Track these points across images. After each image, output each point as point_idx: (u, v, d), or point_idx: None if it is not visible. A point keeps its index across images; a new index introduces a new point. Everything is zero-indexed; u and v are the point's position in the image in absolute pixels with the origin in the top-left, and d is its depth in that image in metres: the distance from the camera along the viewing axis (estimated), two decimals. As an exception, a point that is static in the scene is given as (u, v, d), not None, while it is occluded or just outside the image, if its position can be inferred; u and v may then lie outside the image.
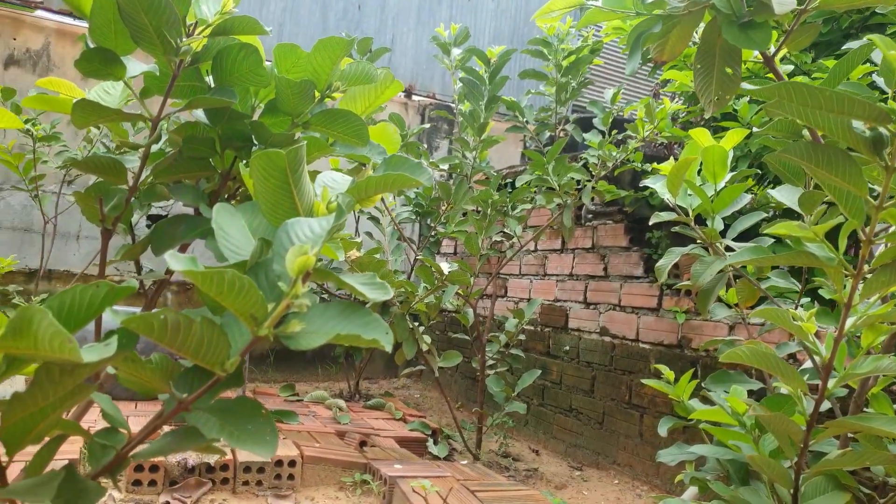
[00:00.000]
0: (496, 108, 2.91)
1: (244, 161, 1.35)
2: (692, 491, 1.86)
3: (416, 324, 2.83)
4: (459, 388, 4.26)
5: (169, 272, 1.44)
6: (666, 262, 1.74)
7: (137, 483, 2.32)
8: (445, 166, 3.08)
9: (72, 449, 2.35)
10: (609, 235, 3.16)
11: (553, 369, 3.43)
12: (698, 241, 1.81)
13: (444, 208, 3.56)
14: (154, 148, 1.46)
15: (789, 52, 1.87)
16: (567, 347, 3.35)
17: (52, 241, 3.95)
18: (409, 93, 5.11)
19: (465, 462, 2.85)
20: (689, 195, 1.79)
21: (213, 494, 2.37)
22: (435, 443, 3.10)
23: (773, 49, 1.30)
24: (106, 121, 1.26)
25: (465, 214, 3.20)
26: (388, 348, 0.86)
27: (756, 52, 1.39)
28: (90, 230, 4.32)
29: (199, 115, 1.35)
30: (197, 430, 0.91)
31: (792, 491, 1.28)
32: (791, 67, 2.34)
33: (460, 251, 4.44)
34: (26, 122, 3.48)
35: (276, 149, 1.23)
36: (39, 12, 4.10)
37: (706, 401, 1.74)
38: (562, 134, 3.03)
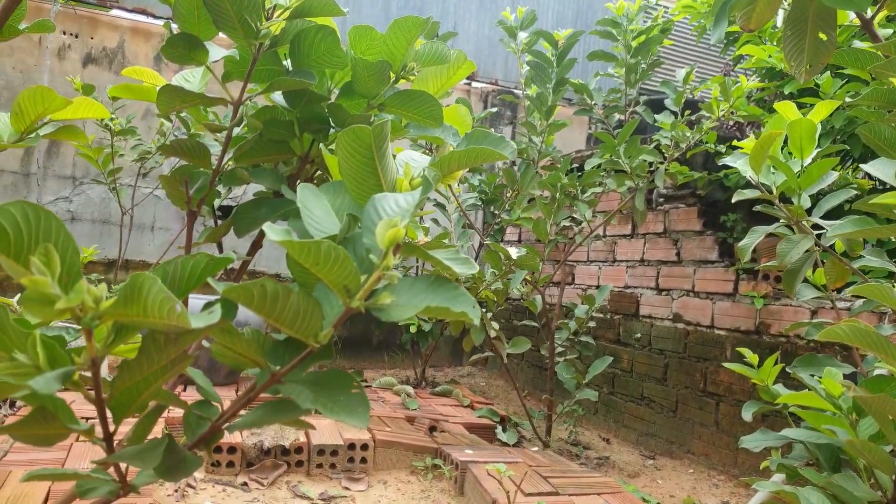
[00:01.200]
0: (564, 90, 2.86)
1: (322, 144, 1.36)
2: (777, 479, 1.79)
3: (484, 310, 2.82)
4: (526, 376, 4.24)
5: (250, 254, 1.47)
6: (750, 242, 1.67)
7: (216, 464, 2.39)
8: (512, 151, 3.05)
9: (155, 430, 2.44)
10: (681, 219, 3.07)
11: (623, 357, 3.37)
12: (782, 220, 1.73)
13: (508, 195, 3.53)
14: (234, 133, 1.49)
15: (890, 12, 1.77)
16: (638, 335, 3.28)
17: (129, 232, 4.11)
18: (471, 79, 5.09)
19: (535, 449, 2.83)
20: (773, 172, 1.71)
21: (288, 476, 2.42)
22: (504, 430, 3.09)
23: (869, 12, 1.22)
24: (189, 105, 1.29)
25: (530, 201, 3.17)
26: (476, 321, 0.85)
27: (852, 16, 1.31)
28: (163, 221, 4.47)
29: (278, 98, 1.37)
30: (288, 402, 0.92)
31: (894, 477, 1.22)
32: (889, 32, 2.20)
33: (524, 239, 4.41)
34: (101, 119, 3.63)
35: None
36: (115, 11, 4.26)
37: (791, 387, 1.67)
38: (631, 116, 2.95)
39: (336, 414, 0.82)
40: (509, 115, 4.95)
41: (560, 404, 2.96)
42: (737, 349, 1.75)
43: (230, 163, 1.38)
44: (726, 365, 1.72)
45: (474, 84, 5.06)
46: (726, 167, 2.88)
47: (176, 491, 2.19)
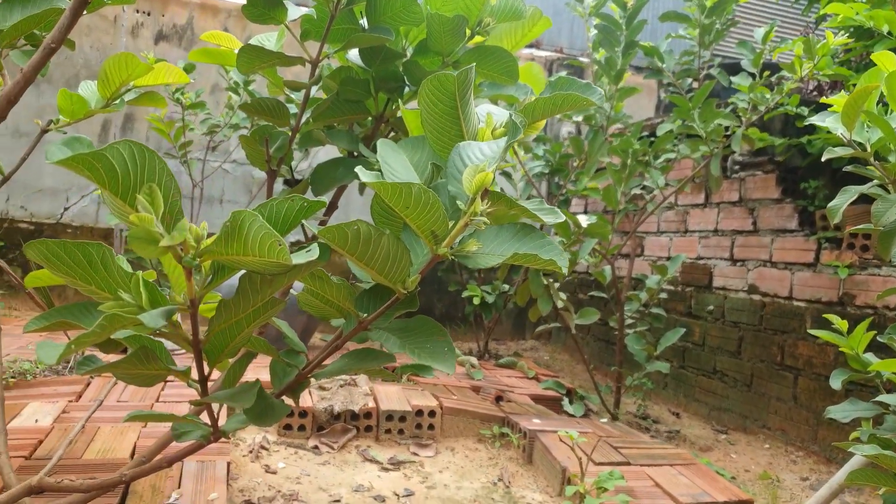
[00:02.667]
0: (634, 54, 2.78)
1: (399, 102, 1.36)
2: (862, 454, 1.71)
3: (551, 280, 2.79)
4: (591, 350, 4.19)
5: (327, 215, 1.48)
6: (841, 202, 1.58)
7: (288, 427, 2.45)
8: (579, 118, 2.99)
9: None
10: (758, 187, 2.95)
11: (695, 330, 3.28)
12: (876, 180, 1.63)
13: (574, 165, 3.47)
14: (310, 95, 1.50)
15: None
16: (711, 307, 3.19)
17: (200, 204, 4.23)
18: (535, 47, 5.00)
19: (604, 420, 2.80)
20: (868, 129, 1.62)
21: (357, 441, 2.47)
22: (570, 402, 3.07)
23: None
24: (268, 65, 1.30)
25: (598, 170, 3.10)
26: (565, 270, 0.83)
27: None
28: (231, 194, 4.58)
29: (354, 57, 1.37)
30: (372, 351, 0.93)
31: None
32: None
33: (590, 210, 4.33)
34: (175, 91, 3.72)
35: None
36: (186, -10, 4.36)
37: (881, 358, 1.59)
38: (705, 79, 2.84)
39: (423, 359, 0.82)
40: (575, 84, 4.84)
41: (629, 377, 2.91)
42: (827, 315, 1.67)
43: (307, 124, 1.39)
44: (813, 332, 1.65)
45: (538, 52, 4.97)
46: (807, 132, 2.75)
47: (251, 452, 2.26)
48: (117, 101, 1.64)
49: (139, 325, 0.66)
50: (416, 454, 2.39)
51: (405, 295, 0.84)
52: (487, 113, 1.01)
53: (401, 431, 2.50)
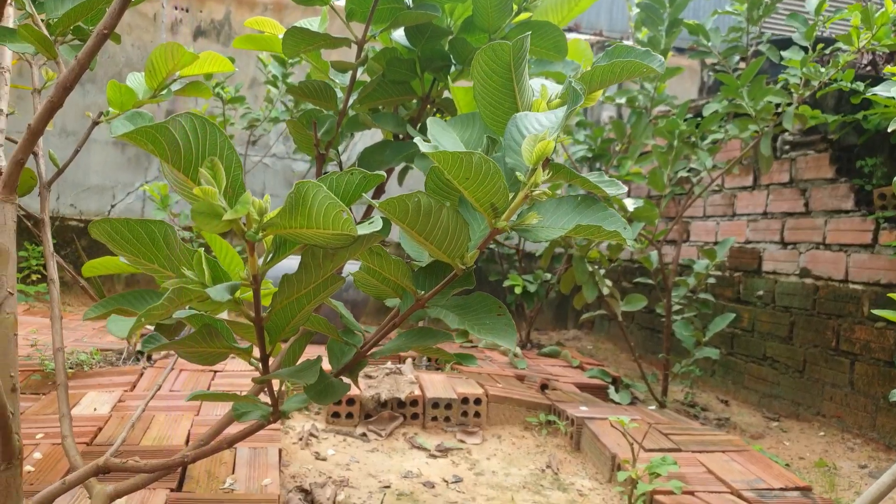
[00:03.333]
0: (678, 32, 2.71)
1: (448, 79, 1.34)
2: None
3: (596, 266, 2.75)
4: (636, 338, 4.13)
5: (375, 198, 1.47)
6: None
7: (336, 415, 2.47)
8: (622, 100, 2.93)
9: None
10: (810, 167, 2.86)
11: (743, 316, 3.20)
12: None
13: (616, 149, 3.41)
14: (346, 81, 1.50)
15: None
16: (760, 292, 3.11)
17: (245, 199, 4.28)
18: (573, 30, 4.94)
19: (651, 408, 2.76)
20: (933, 99, 1.55)
21: (404, 428, 2.47)
22: (616, 390, 3.02)
23: None
24: (314, 47, 1.30)
25: (642, 154, 3.04)
26: (630, 242, 0.81)
27: None
28: (273, 188, 4.62)
29: (399, 37, 1.35)
30: (429, 329, 0.92)
31: None
32: None
33: (633, 196, 4.26)
34: (215, 86, 3.76)
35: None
36: (224, -13, 4.40)
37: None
38: (754, 56, 2.76)
39: (484, 334, 0.81)
40: (615, 68, 4.77)
41: (677, 363, 2.86)
42: (879, 302, 1.61)
43: (353, 107, 1.38)
44: (878, 312, 1.59)
45: (578, 35, 4.89)
46: (863, 108, 2.65)
47: (300, 439, 2.29)
48: (164, 92, 1.66)
49: (206, 301, 0.65)
50: (462, 441, 2.38)
51: (463, 271, 0.83)
52: (542, 84, 0.99)
53: (447, 419, 2.50)
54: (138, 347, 2.86)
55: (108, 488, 1.16)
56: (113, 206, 4.38)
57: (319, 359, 0.82)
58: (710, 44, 2.75)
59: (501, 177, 0.73)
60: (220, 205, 0.64)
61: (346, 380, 0.96)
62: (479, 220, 0.84)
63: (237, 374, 2.66)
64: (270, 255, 0.72)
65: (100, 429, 1.99)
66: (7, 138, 1.29)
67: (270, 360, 0.86)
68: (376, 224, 0.65)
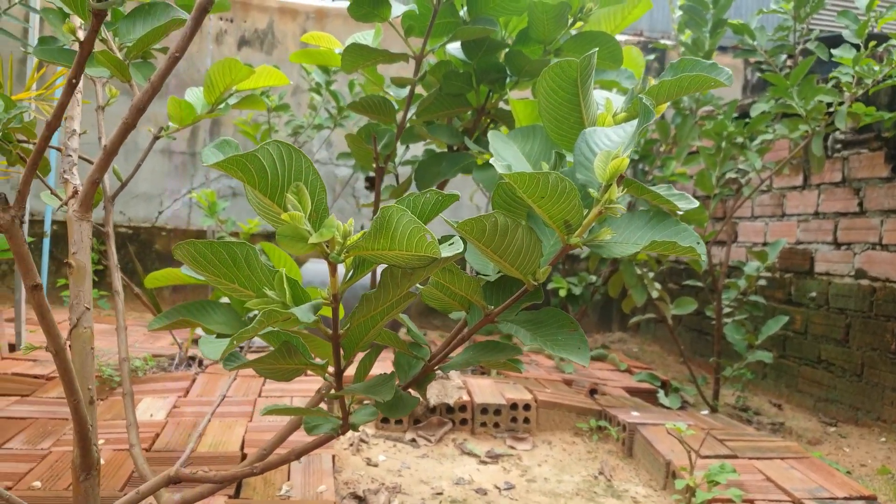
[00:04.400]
0: (722, 32, 2.67)
1: (505, 91, 1.35)
2: None
3: (645, 269, 2.72)
4: (683, 341, 4.07)
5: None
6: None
7: (385, 421, 2.49)
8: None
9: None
10: (864, 166, 2.78)
11: (796, 318, 3.14)
12: None
13: (661, 150, 3.37)
14: (401, 95, 1.51)
15: None
16: (813, 294, 3.04)
17: (289, 206, 4.34)
18: (612, 35, 4.89)
19: (704, 413, 2.72)
20: None
21: (453, 434, 2.48)
22: (666, 394, 2.99)
23: None
24: (372, 62, 1.31)
25: (690, 154, 3.00)
26: (704, 258, 0.80)
27: None
28: (318, 196, 4.68)
29: (455, 51, 1.36)
30: (497, 343, 0.92)
31: None
32: None
33: (677, 197, 4.20)
34: (261, 94, 3.82)
35: (532, 76, 1.19)
36: (266, -6, 4.48)
37: None
38: (802, 55, 2.71)
39: (558, 350, 0.81)
40: (656, 66, 4.71)
41: (728, 367, 2.81)
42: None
43: (410, 120, 1.39)
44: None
45: (619, 37, 4.84)
46: (920, 104, 2.57)
47: (351, 445, 2.31)
48: (222, 106, 1.70)
49: (291, 320, 0.67)
50: (513, 447, 2.38)
51: (534, 286, 0.83)
52: (607, 98, 0.99)
53: (496, 425, 2.50)
54: (190, 353, 2.92)
55: (176, 496, 1.19)
56: (160, 213, 4.48)
57: (393, 375, 0.83)
58: (755, 42, 2.71)
59: (577, 195, 0.73)
60: (306, 228, 0.65)
61: (414, 393, 0.97)
62: (550, 236, 0.84)
63: (287, 379, 2.71)
64: (350, 275, 0.74)
65: (157, 435, 2.04)
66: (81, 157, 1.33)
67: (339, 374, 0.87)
68: (457, 246, 0.66)
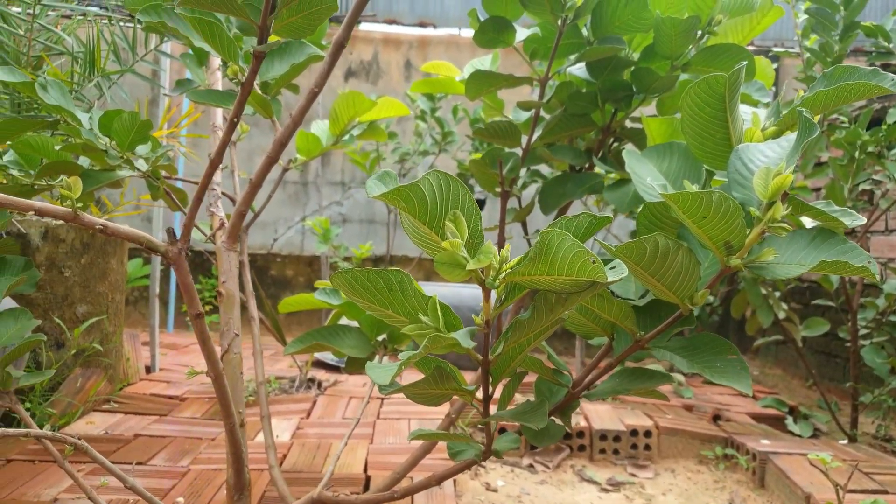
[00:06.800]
0: (854, 36, 2.52)
1: (633, 108, 1.32)
2: None
3: (771, 289, 2.58)
4: (810, 364, 3.81)
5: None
6: None
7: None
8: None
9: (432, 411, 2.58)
10: None
11: (942, 339, 2.87)
12: None
13: (782, 163, 3.20)
14: (520, 118, 1.51)
15: None
16: (963, 313, 2.77)
17: (395, 228, 4.44)
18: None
19: (842, 442, 2.53)
20: None
21: (571, 460, 2.42)
22: (794, 421, 2.81)
23: None
24: (496, 88, 1.32)
25: (816, 165, 2.83)
26: (877, 277, 0.75)
27: None
28: (422, 220, 4.76)
29: (579, 72, 1.35)
30: (645, 370, 0.89)
31: None
32: None
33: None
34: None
35: (660, 93, 1.15)
36: (368, 25, 4.63)
37: None
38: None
39: (719, 377, 0.78)
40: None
41: (869, 392, 2.61)
42: None
43: (534, 143, 1.39)
44: None
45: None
46: None
47: (469, 469, 2.30)
48: (346, 137, 1.76)
49: (452, 345, 0.68)
50: (634, 475, 2.30)
51: (690, 311, 0.80)
52: (753, 112, 0.95)
53: (615, 451, 2.42)
54: (309, 375, 3.02)
55: (316, 517, 1.22)
56: (275, 240, 4.69)
57: (544, 402, 0.82)
58: (891, 45, 2.53)
59: (740, 214, 0.70)
60: (463, 255, 0.66)
61: (558, 421, 0.95)
62: (705, 258, 0.81)
63: (401, 401, 2.74)
64: (501, 301, 0.74)
65: (284, 456, 2.11)
66: (223, 193, 1.41)
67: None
68: (620, 270, 0.65)
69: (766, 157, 0.81)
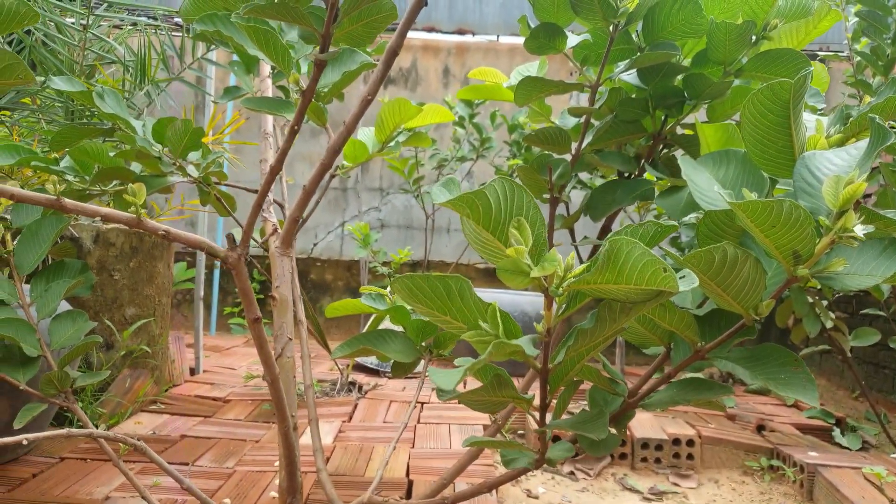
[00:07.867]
0: (907, 38, 2.45)
1: (689, 113, 1.31)
2: None
3: (818, 297, 2.52)
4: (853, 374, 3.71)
5: (600, 237, 1.46)
6: None
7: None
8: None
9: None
10: None
11: None
12: None
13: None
14: (568, 125, 1.51)
15: None
16: None
17: (432, 235, 4.45)
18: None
19: (894, 455, 2.45)
20: None
21: (612, 468, 2.40)
22: (842, 433, 2.74)
23: None
24: (547, 94, 1.32)
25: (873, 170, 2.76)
26: (952, 288, 0.72)
27: None
28: (458, 223, 4.76)
29: (630, 78, 1.34)
30: (703, 381, 0.88)
31: None
32: None
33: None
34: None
35: (712, 99, 1.14)
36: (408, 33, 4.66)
37: None
38: None
39: (783, 389, 0.76)
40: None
41: (922, 405, 2.52)
42: None
43: (584, 149, 1.38)
44: None
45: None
46: None
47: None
48: (391, 144, 1.77)
49: (510, 352, 0.68)
50: (676, 485, 2.26)
51: (753, 321, 0.79)
52: (816, 119, 0.93)
53: (657, 460, 2.39)
54: (350, 379, 3.04)
55: (366, 521, 1.22)
56: (315, 245, 4.73)
57: (603, 411, 0.82)
58: (947, 46, 2.46)
59: (811, 223, 0.69)
60: (526, 262, 0.65)
61: (613, 431, 0.94)
62: (771, 267, 0.79)
63: (441, 406, 2.74)
64: (563, 309, 0.73)
65: (327, 459, 2.12)
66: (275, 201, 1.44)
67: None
68: (691, 279, 0.64)
69: (833, 164, 0.79)
